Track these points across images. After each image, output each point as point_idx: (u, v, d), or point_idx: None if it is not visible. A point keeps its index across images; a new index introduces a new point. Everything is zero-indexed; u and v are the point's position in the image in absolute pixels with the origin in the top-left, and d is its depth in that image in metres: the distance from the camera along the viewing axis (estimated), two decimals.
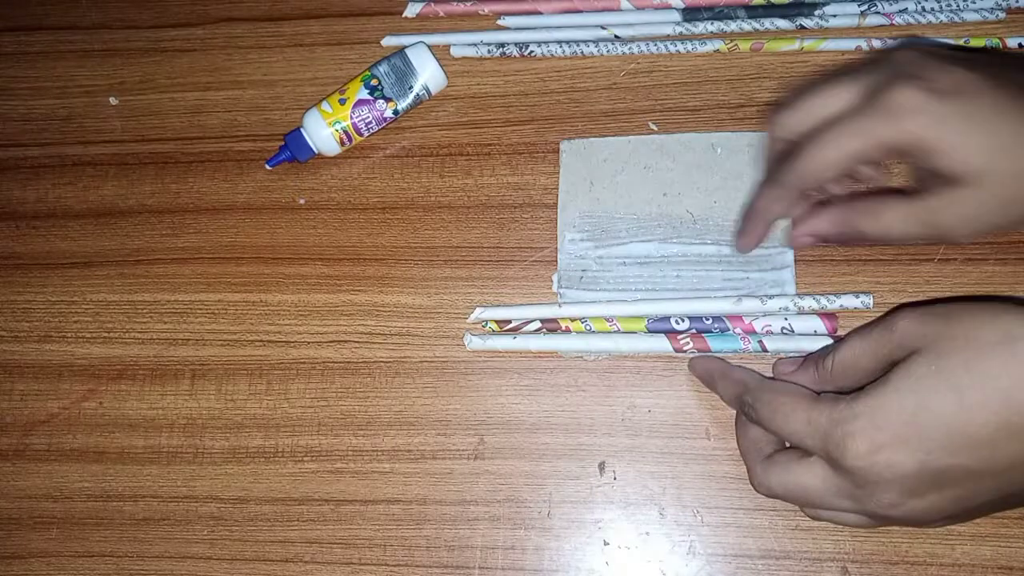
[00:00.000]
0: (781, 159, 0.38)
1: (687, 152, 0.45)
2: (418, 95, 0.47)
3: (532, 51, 0.48)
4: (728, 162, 0.45)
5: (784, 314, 0.41)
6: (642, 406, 0.43)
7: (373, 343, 0.45)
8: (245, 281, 0.47)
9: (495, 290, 0.45)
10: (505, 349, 0.44)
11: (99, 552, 0.44)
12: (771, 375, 0.40)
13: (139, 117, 0.51)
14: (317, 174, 0.48)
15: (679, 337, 0.42)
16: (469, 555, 0.42)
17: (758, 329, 0.42)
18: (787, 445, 0.37)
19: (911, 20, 0.46)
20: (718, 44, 0.47)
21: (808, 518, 0.37)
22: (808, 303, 0.41)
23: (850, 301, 0.41)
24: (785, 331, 0.41)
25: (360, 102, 0.46)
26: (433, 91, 0.47)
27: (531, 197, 0.46)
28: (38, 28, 0.53)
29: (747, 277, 0.43)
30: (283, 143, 0.47)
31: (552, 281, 0.44)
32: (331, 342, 0.45)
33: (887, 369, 0.33)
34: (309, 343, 0.45)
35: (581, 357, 0.43)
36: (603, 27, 0.48)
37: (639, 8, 0.48)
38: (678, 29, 0.47)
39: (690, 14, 0.48)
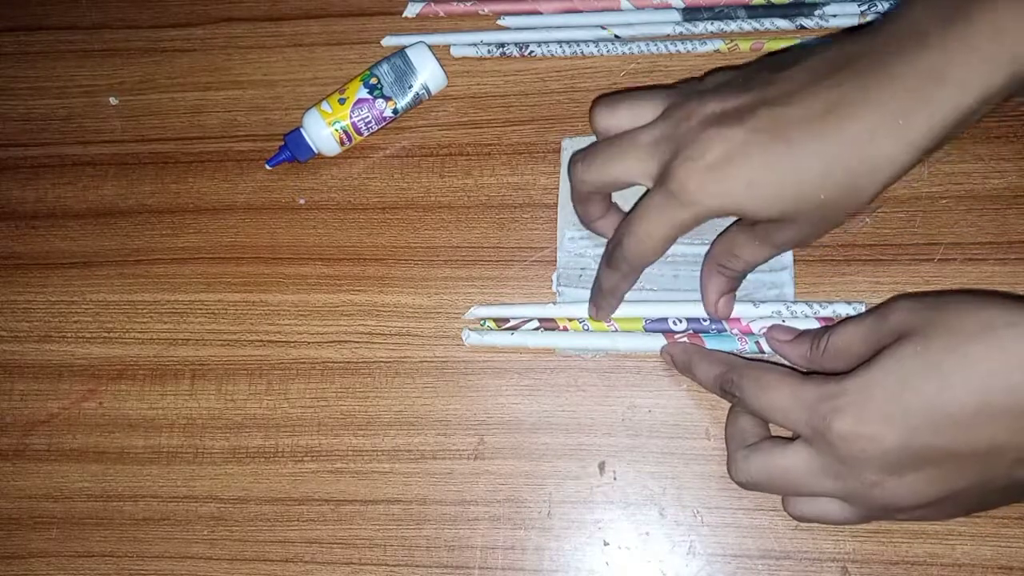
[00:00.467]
0: (582, 201, 0.41)
1: None
2: (418, 94, 0.47)
3: (532, 51, 0.48)
4: None
5: (781, 316, 0.41)
6: (642, 406, 0.43)
7: (373, 343, 0.45)
8: (245, 281, 0.47)
9: (495, 290, 0.45)
10: (503, 345, 0.44)
11: (99, 552, 0.44)
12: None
13: (139, 117, 0.51)
14: (317, 174, 0.48)
15: (676, 337, 0.42)
16: (469, 555, 0.42)
17: (755, 331, 0.42)
18: (771, 435, 0.38)
19: None
20: (718, 44, 0.47)
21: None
22: (801, 309, 0.41)
23: (843, 308, 0.41)
24: None
25: (359, 101, 0.46)
26: (433, 91, 0.47)
27: (531, 197, 0.46)
28: (38, 28, 0.53)
29: (746, 278, 0.43)
30: (283, 143, 0.47)
31: (552, 281, 0.45)
32: (331, 342, 0.45)
33: (878, 353, 0.34)
34: (309, 343, 0.46)
35: (579, 356, 0.43)
36: (603, 27, 0.48)
37: (639, 8, 0.48)
38: (678, 29, 0.47)
39: (690, 14, 0.48)
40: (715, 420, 0.42)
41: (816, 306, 0.41)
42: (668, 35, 0.48)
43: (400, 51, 0.47)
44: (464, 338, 0.44)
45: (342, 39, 0.50)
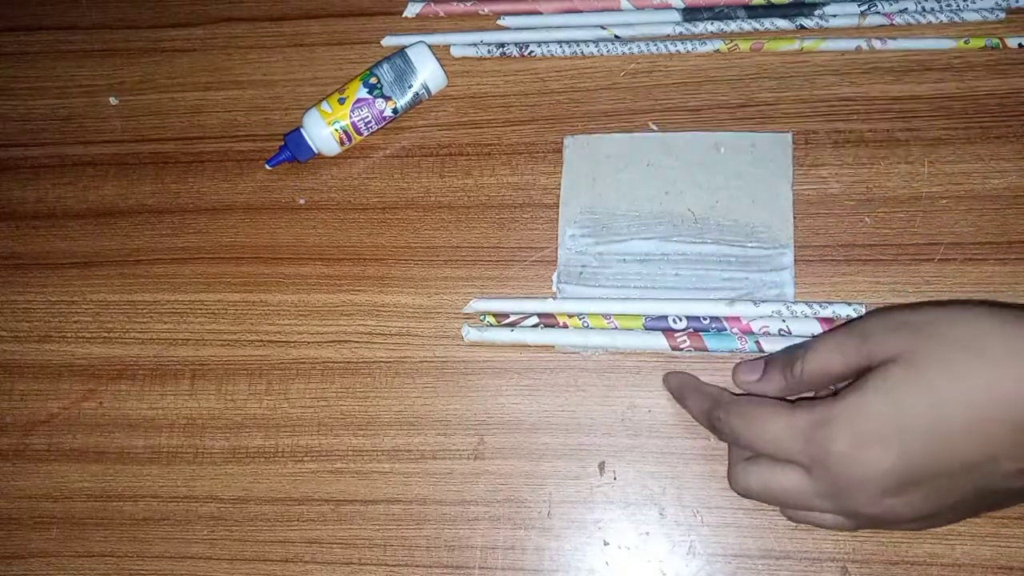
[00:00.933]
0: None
1: (690, 150, 0.45)
2: (417, 94, 0.47)
3: (532, 51, 0.48)
4: (731, 162, 0.44)
5: (781, 316, 0.41)
6: (642, 406, 0.43)
7: (373, 343, 0.45)
8: (245, 281, 0.47)
9: (495, 290, 0.45)
10: (502, 342, 0.44)
11: (99, 552, 0.44)
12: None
13: (139, 117, 0.51)
14: (317, 174, 0.48)
15: (676, 335, 0.42)
16: (469, 555, 0.42)
17: (755, 329, 0.42)
18: None
19: (911, 20, 0.46)
20: (718, 44, 0.47)
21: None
22: (801, 309, 0.41)
23: (843, 309, 0.41)
24: (782, 332, 0.41)
25: (359, 101, 0.46)
26: (433, 91, 0.47)
27: (531, 197, 0.46)
28: (38, 28, 0.53)
29: (746, 278, 0.43)
30: (283, 143, 0.47)
31: (552, 280, 0.45)
32: (331, 342, 0.45)
33: (859, 373, 0.34)
34: (309, 343, 0.45)
35: (579, 353, 0.43)
36: (603, 27, 0.48)
37: (639, 8, 0.48)
38: (678, 29, 0.47)
39: (690, 14, 0.48)
40: None
41: (816, 306, 0.41)
42: (668, 35, 0.48)
43: (400, 51, 0.47)
44: (464, 334, 0.44)
45: (342, 39, 0.50)
